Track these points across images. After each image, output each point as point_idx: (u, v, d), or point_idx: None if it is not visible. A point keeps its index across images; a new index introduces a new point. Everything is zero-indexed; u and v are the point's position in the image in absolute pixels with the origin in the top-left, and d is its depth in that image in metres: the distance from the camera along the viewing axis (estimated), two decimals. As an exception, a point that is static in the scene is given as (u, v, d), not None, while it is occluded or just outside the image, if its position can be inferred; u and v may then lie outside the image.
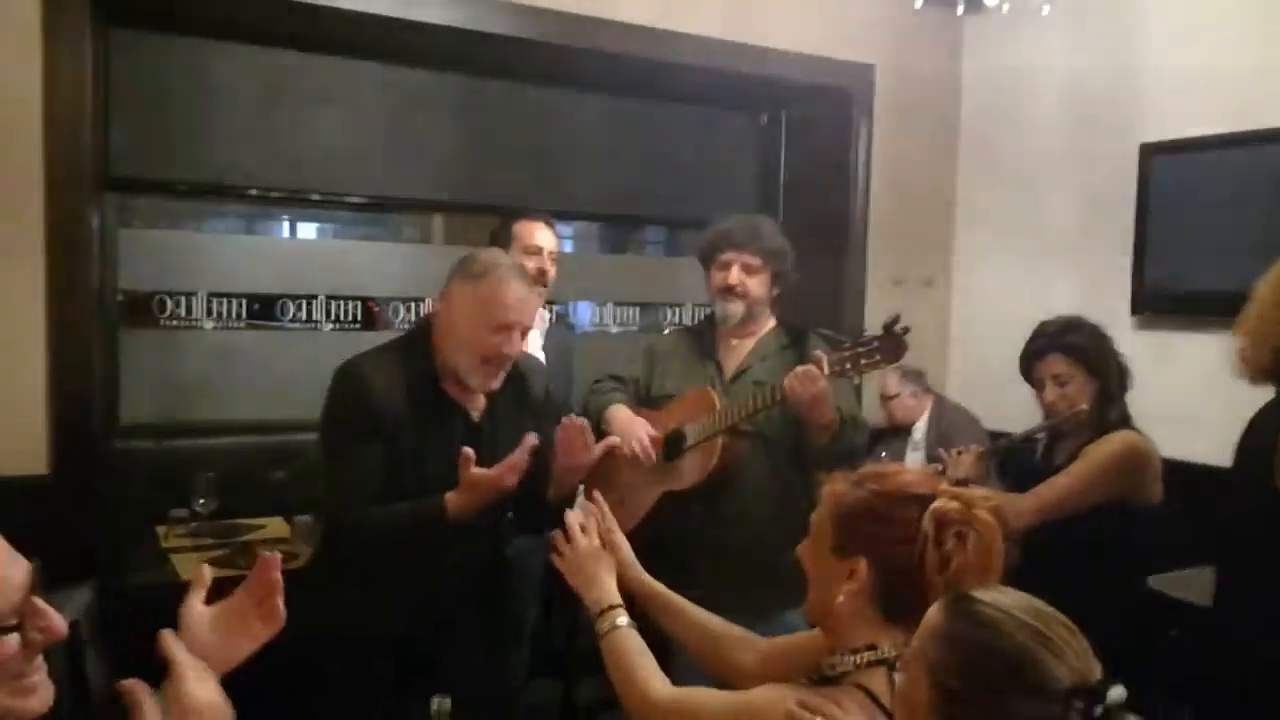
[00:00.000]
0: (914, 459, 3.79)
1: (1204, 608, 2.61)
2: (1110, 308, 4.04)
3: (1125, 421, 2.44)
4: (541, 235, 3.33)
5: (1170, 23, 3.92)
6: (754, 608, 2.24)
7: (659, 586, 1.86)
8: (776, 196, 4.75)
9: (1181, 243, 3.80)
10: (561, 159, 4.34)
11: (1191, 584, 3.06)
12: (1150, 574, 2.84)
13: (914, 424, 3.95)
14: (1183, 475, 3.79)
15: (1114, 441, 2.35)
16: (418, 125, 4.04)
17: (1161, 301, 3.90)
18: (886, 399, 4.06)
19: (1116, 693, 0.99)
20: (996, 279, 4.58)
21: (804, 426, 2.60)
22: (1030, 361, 2.54)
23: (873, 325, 2.81)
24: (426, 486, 2.19)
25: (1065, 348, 2.47)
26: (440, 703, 1.79)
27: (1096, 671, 1.03)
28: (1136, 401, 4.00)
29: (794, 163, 4.72)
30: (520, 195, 4.02)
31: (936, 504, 1.34)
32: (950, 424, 3.77)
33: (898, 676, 1.21)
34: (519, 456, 2.10)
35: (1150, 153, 3.89)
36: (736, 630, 1.80)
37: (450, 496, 2.14)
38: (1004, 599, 1.08)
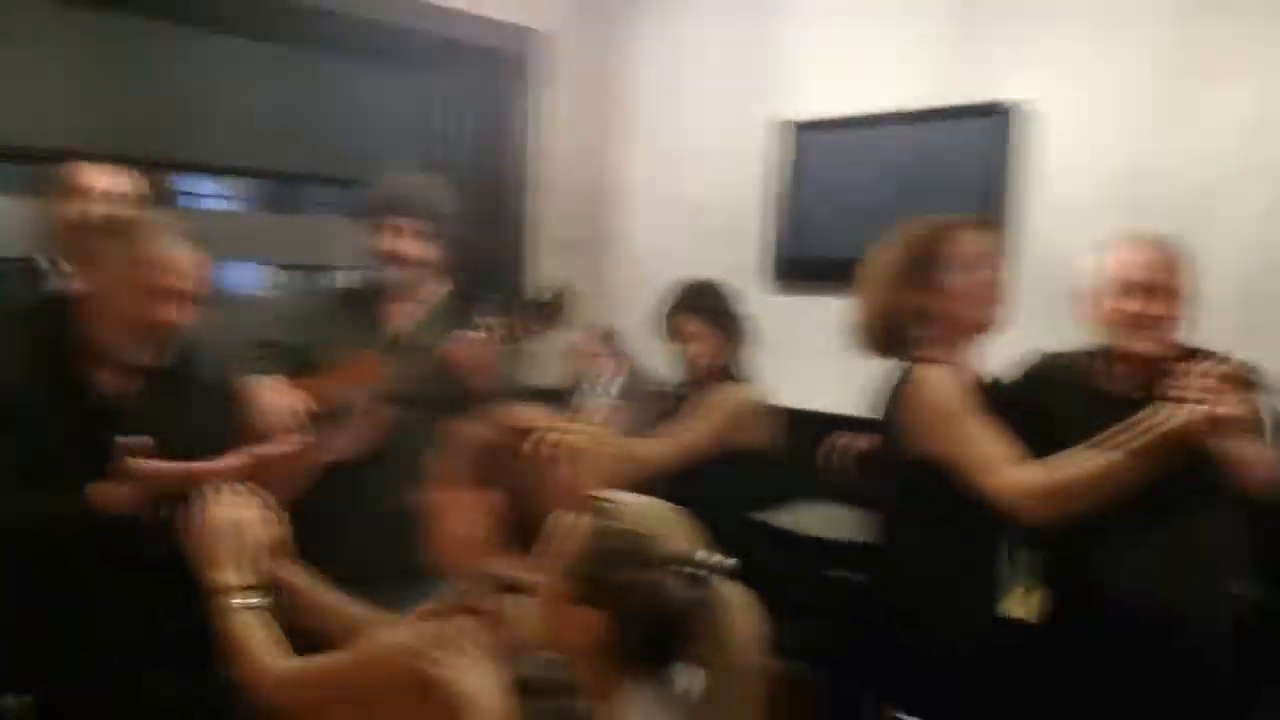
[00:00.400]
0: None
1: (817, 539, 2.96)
2: (752, 272, 4.40)
3: (746, 375, 2.71)
4: (95, 175, 2.84)
5: (809, 4, 4.27)
6: (411, 576, 2.22)
7: (303, 579, 1.79)
8: (440, 157, 4.69)
9: (812, 214, 4.16)
10: (204, 109, 4.02)
11: (799, 518, 3.45)
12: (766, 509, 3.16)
13: (603, 382, 4.09)
14: (812, 423, 4.24)
15: (736, 392, 2.61)
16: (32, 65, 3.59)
17: (796, 268, 4.26)
18: (576, 355, 4.17)
19: (721, 559, 1.22)
20: (654, 243, 4.81)
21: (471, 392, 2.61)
22: (667, 319, 2.74)
23: (538, 290, 2.87)
24: (55, 475, 1.94)
25: (700, 309, 2.69)
26: (19, 701, 1.63)
27: (704, 546, 1.25)
28: (775, 358, 4.41)
29: (458, 123, 4.68)
30: (160, 146, 3.69)
31: (547, 434, 1.50)
32: (635, 385, 3.93)
33: (540, 581, 1.31)
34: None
35: (786, 130, 4.23)
36: (378, 616, 1.78)
37: (98, 488, 1.92)
38: (626, 496, 1.31)
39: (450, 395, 2.65)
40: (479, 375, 2.53)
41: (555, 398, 4.28)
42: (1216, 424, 1.66)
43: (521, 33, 4.45)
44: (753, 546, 2.67)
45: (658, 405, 3.53)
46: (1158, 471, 1.75)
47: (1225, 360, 1.78)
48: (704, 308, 2.75)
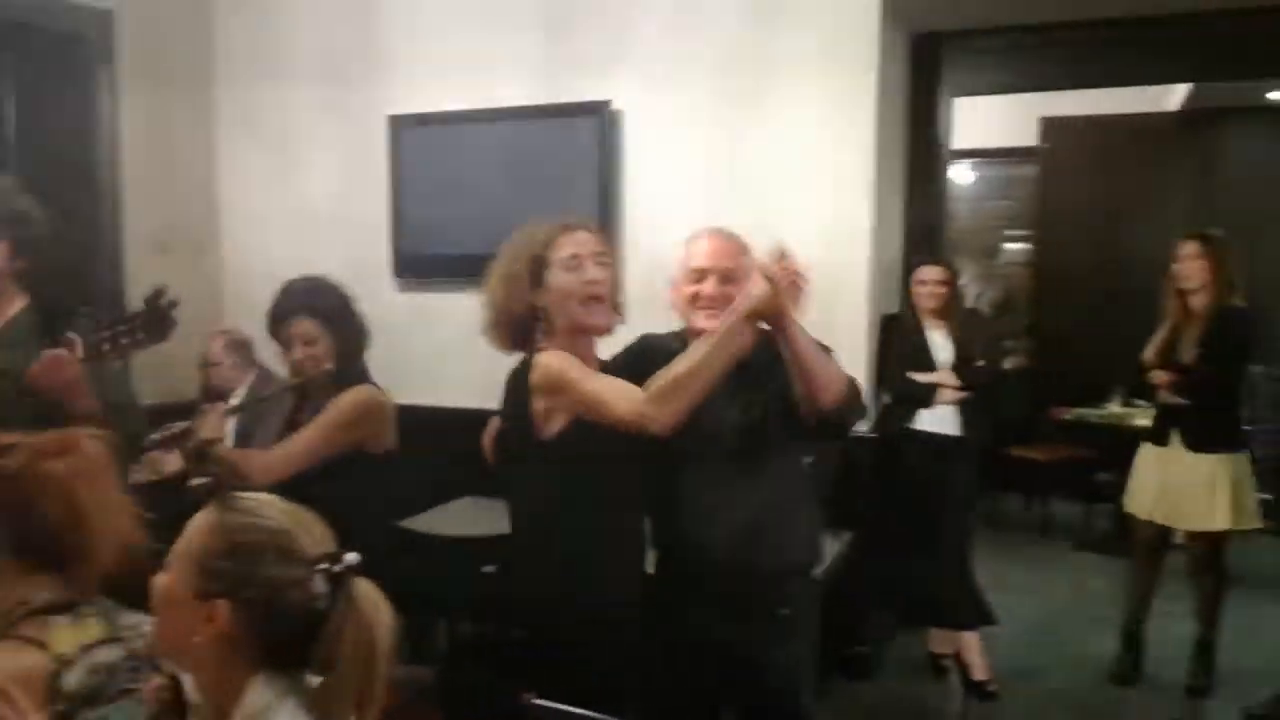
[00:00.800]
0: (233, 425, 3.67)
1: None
2: (373, 271, 4.32)
3: (363, 377, 2.61)
4: None
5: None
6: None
7: None
8: (5, 153, 4.14)
9: (430, 210, 4.16)
10: None
11: (444, 520, 3.46)
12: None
13: (232, 392, 3.82)
14: (443, 421, 4.25)
15: (351, 395, 2.51)
16: None
17: (418, 265, 4.24)
18: (206, 366, 3.87)
19: (351, 557, 1.22)
20: (267, 242, 4.57)
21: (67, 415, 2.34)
22: (277, 322, 2.58)
23: (136, 298, 2.62)
24: None
25: (311, 309, 2.55)
26: None
27: (334, 546, 1.26)
28: (401, 357, 4.36)
29: (30, 115, 4.15)
30: None
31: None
32: (265, 390, 3.70)
33: (158, 579, 1.28)
34: None
35: (396, 125, 4.19)
36: None
37: None
38: (261, 495, 1.31)
39: (40, 418, 2.37)
40: (69, 396, 2.28)
41: (181, 412, 3.96)
42: (779, 297, 1.88)
43: (93, 15, 4.02)
44: (394, 552, 2.65)
45: (282, 412, 3.38)
46: (744, 351, 1.95)
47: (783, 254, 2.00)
48: (315, 308, 2.58)
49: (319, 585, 1.19)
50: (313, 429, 2.49)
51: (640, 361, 2.22)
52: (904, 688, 3.77)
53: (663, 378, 1.96)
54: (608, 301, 2.13)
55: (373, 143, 4.27)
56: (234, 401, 3.51)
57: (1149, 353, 3.71)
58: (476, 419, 4.15)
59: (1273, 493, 3.58)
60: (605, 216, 3.85)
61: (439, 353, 4.28)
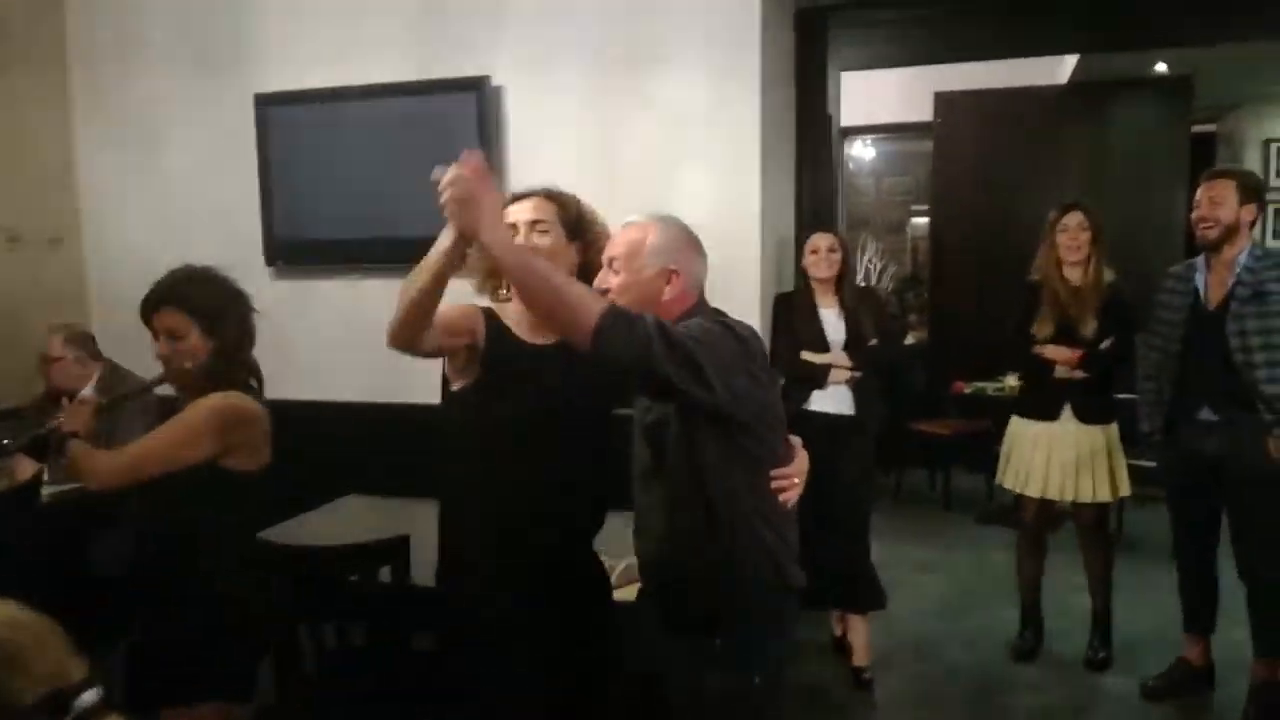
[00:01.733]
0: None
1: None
2: (246, 258, 4.08)
3: (237, 381, 2.38)
4: None
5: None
6: None
7: None
8: None
9: (303, 193, 3.95)
10: None
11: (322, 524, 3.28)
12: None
13: (79, 390, 3.55)
14: (326, 414, 4.06)
15: (210, 401, 2.29)
16: None
17: (292, 251, 4.03)
18: (48, 361, 3.61)
19: (90, 695, 0.98)
20: (131, 232, 4.30)
21: None
22: (147, 312, 2.35)
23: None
24: None
25: (180, 300, 2.33)
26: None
27: (75, 673, 1.00)
28: (277, 349, 4.14)
29: None
30: None
31: None
32: (121, 388, 3.45)
33: None
34: None
35: (263, 104, 3.96)
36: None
37: None
38: None
39: None
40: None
41: (13, 415, 3.71)
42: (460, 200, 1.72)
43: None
44: (261, 569, 2.46)
45: (143, 412, 3.16)
46: (450, 264, 1.83)
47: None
48: (184, 298, 2.35)
49: None
50: (161, 434, 2.26)
51: None
52: (810, 670, 3.71)
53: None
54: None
55: (239, 123, 4.03)
56: (86, 392, 3.27)
57: (1040, 326, 3.67)
58: (360, 412, 4.03)
59: (1155, 460, 3.59)
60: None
61: (319, 344, 4.08)
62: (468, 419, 2.12)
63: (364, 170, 3.84)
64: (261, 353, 4.24)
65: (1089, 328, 3.56)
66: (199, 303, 2.31)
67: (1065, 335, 3.61)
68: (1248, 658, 3.30)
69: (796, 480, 1.92)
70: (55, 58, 4.28)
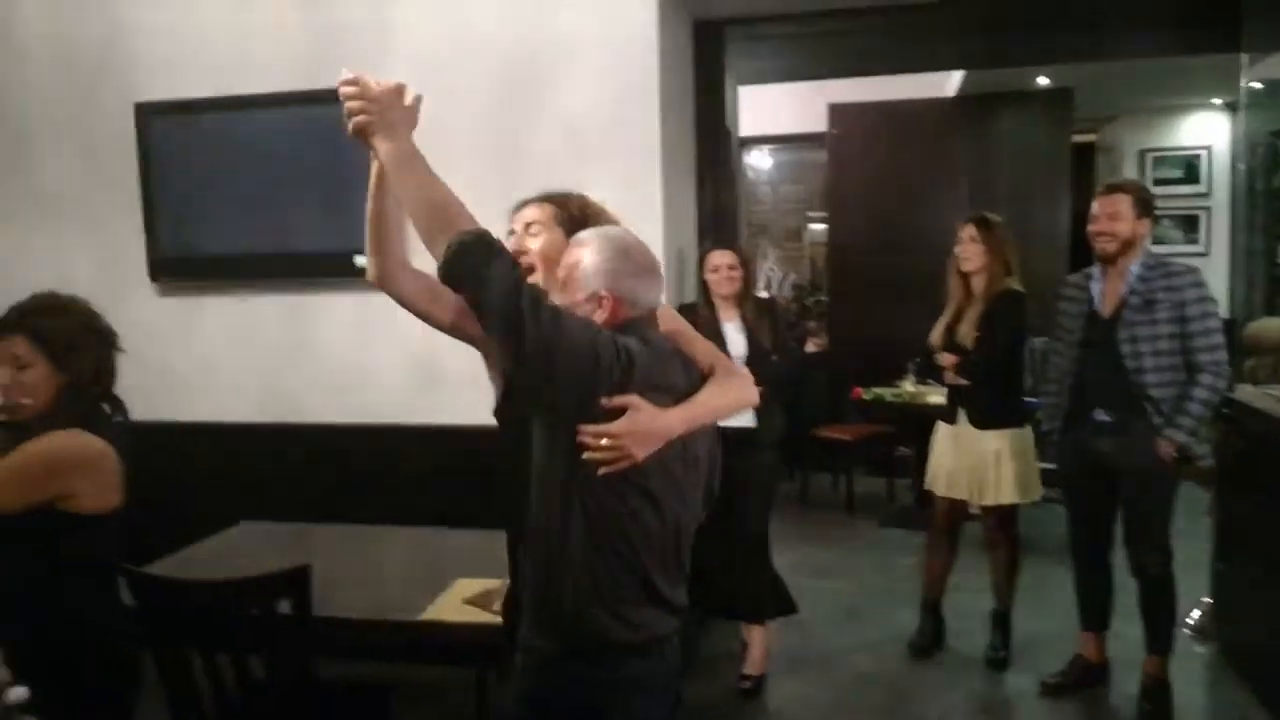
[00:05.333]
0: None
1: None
2: (128, 274, 3.91)
3: (83, 419, 2.20)
4: None
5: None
6: None
7: None
8: None
9: (188, 206, 3.80)
10: None
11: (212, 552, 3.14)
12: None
13: None
14: (216, 435, 3.91)
15: (46, 442, 2.12)
16: None
17: (178, 266, 3.87)
18: None
19: (17, 693, 1.00)
20: (8, 245, 4.06)
21: None
22: None
23: None
24: None
25: (30, 330, 2.17)
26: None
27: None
28: (164, 369, 3.98)
29: None
30: None
31: None
32: None
33: None
34: None
35: (145, 113, 3.80)
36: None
37: None
38: None
39: None
40: None
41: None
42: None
43: None
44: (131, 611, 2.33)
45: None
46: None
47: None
48: (32, 327, 2.19)
49: None
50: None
51: None
52: (721, 680, 3.71)
53: None
54: (540, 270, 1.95)
55: (118, 134, 3.85)
56: None
57: (934, 334, 3.79)
58: (251, 433, 3.89)
59: (1054, 462, 3.70)
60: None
61: (206, 363, 3.93)
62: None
63: (253, 183, 3.71)
64: (145, 372, 4.05)
65: (968, 335, 3.66)
66: (50, 335, 2.15)
67: (952, 342, 3.71)
68: (1141, 653, 3.40)
69: (604, 441, 1.63)
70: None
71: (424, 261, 1.78)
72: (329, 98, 3.52)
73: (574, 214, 2.01)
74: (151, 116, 3.78)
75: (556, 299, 1.78)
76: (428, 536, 3.25)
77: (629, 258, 1.79)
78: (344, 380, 3.83)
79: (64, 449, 2.08)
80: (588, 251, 1.79)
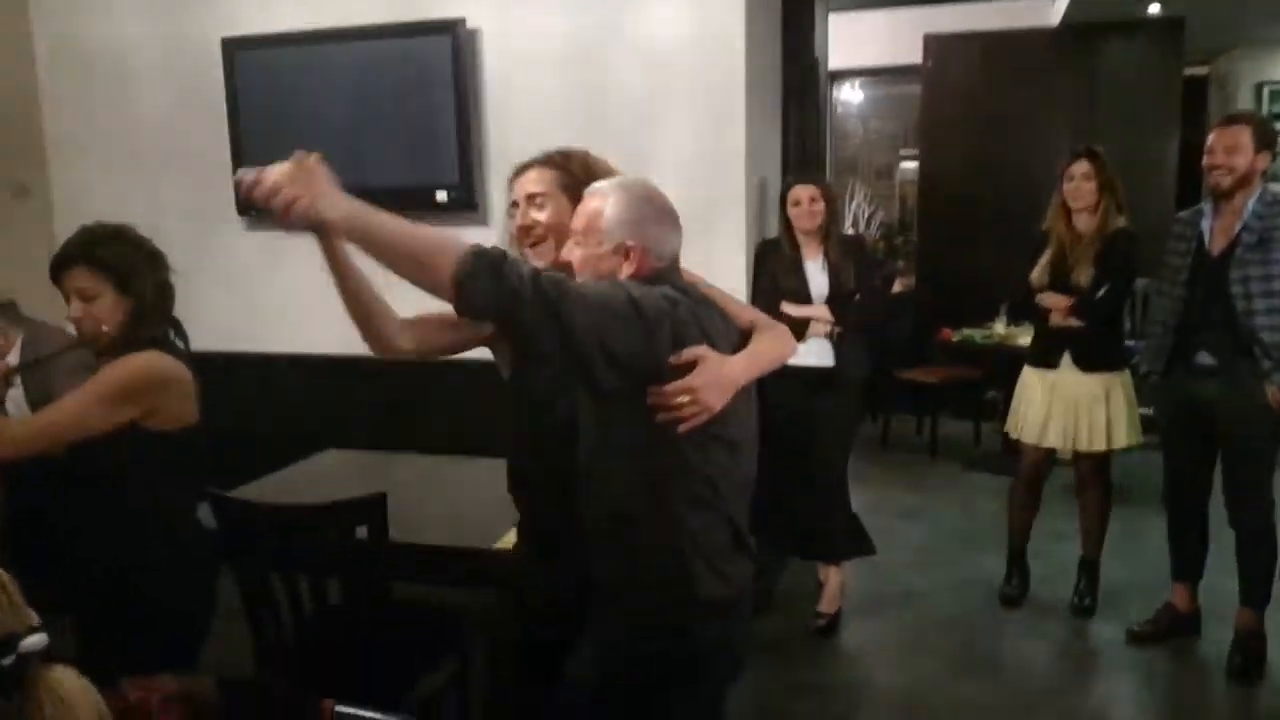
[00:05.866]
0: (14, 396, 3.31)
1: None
2: (218, 210, 3.99)
3: (157, 341, 2.28)
4: None
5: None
6: None
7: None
8: None
9: (274, 141, 3.78)
10: None
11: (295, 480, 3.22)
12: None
13: (3, 359, 3.44)
14: (304, 367, 3.99)
15: (123, 365, 2.19)
16: None
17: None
18: None
19: (34, 641, 0.96)
20: (103, 182, 4.18)
21: None
22: (57, 272, 2.26)
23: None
24: None
25: (93, 260, 2.23)
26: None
27: (28, 621, 0.98)
28: (253, 302, 4.07)
29: None
30: None
31: None
32: (48, 348, 3.35)
33: None
34: None
35: (232, 48, 3.82)
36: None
37: None
38: None
39: None
40: None
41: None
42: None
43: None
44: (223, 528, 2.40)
45: (83, 370, 3.06)
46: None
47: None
48: (94, 258, 2.25)
49: None
50: (72, 400, 2.16)
51: None
52: (798, 618, 3.69)
53: None
54: (551, 240, 1.88)
55: (206, 68, 3.90)
56: (11, 359, 3.15)
57: (1037, 273, 3.62)
58: (337, 366, 3.96)
59: (1152, 403, 3.55)
60: (464, 144, 3.59)
61: (292, 296, 4.00)
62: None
63: (337, 118, 3.73)
64: (234, 305, 4.19)
65: (1084, 275, 3.49)
66: (111, 262, 2.20)
67: (1061, 282, 3.55)
68: (1234, 605, 3.29)
69: (682, 400, 1.59)
70: (17, 3, 4.13)
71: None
72: (409, 31, 3.61)
73: (577, 175, 1.92)
74: (238, 50, 3.82)
75: (576, 254, 1.74)
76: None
77: (650, 204, 1.73)
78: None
79: (144, 369, 2.15)
80: (609, 203, 1.71)
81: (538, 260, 1.86)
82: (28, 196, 4.22)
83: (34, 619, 0.99)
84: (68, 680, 0.96)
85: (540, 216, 1.92)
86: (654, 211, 1.73)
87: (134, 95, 4.10)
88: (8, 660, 0.93)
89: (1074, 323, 3.54)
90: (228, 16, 3.89)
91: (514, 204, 1.97)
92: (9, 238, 4.11)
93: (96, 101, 4.16)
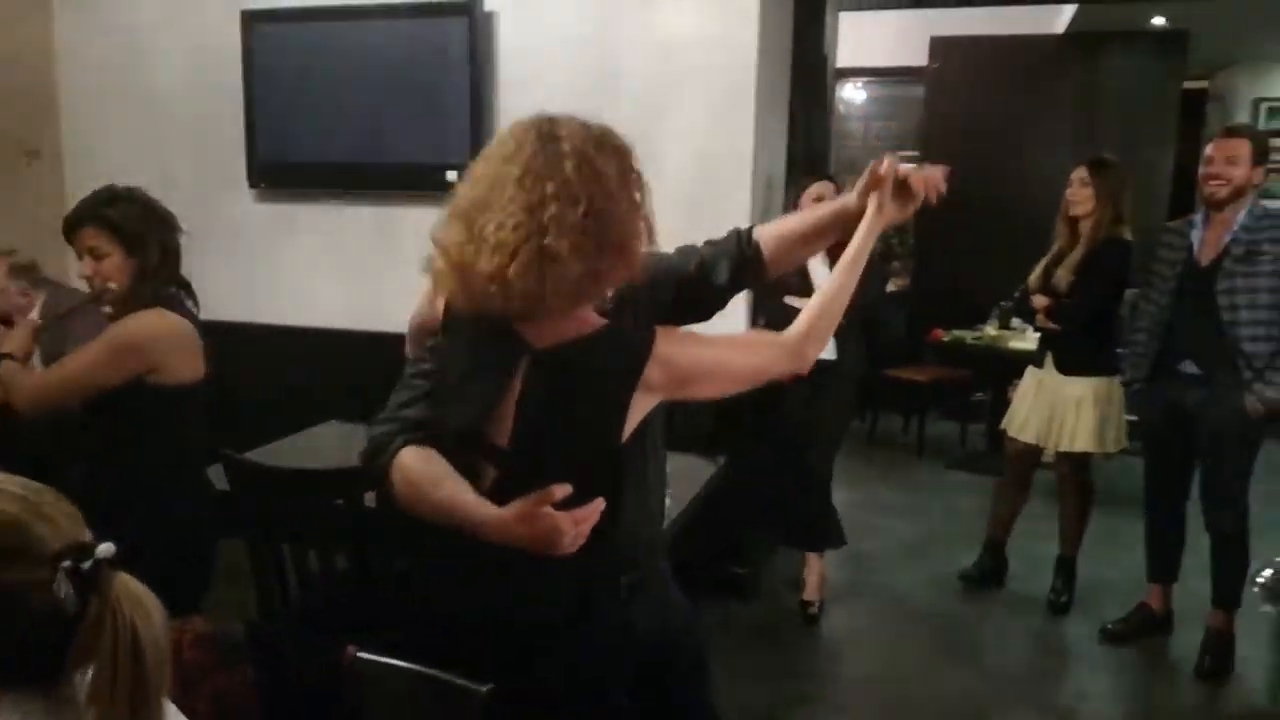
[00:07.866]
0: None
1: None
2: (229, 178, 4.04)
3: (164, 299, 2.36)
4: None
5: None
6: None
7: None
8: None
9: (288, 114, 3.88)
10: None
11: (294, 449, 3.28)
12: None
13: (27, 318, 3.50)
14: (307, 340, 4.05)
15: (129, 321, 2.28)
16: None
17: (276, 173, 3.97)
18: None
19: (104, 548, 1.03)
20: (114, 147, 4.22)
21: None
22: (70, 231, 2.34)
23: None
24: None
25: (101, 220, 2.31)
26: None
27: (86, 535, 1.05)
28: (261, 273, 4.12)
29: None
30: None
31: None
32: (67, 309, 3.42)
33: None
34: None
35: (251, 20, 3.87)
36: None
37: None
38: None
39: None
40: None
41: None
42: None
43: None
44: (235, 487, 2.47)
45: (97, 328, 3.12)
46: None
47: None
48: (104, 218, 2.28)
49: (63, 587, 1.00)
50: (81, 356, 2.26)
51: None
52: (786, 607, 3.78)
53: (802, 322, 1.69)
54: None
55: (225, 40, 3.94)
56: (32, 317, 3.22)
57: (1033, 275, 3.74)
58: (342, 339, 4.02)
59: (1135, 410, 3.65)
60: (476, 127, 3.64)
61: (301, 268, 4.06)
62: None
63: (351, 94, 3.78)
64: (242, 275, 4.24)
65: (1064, 280, 3.60)
66: (120, 223, 2.29)
67: (1047, 284, 3.66)
68: (1207, 607, 3.38)
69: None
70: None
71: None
72: (428, 11, 3.66)
73: None
74: (257, 23, 3.86)
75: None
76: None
77: None
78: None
79: (151, 326, 2.25)
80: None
81: None
82: (39, 159, 4.26)
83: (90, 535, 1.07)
84: (133, 583, 1.04)
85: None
86: None
87: (150, 62, 4.14)
88: (86, 564, 1.00)
89: (1051, 325, 3.66)
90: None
91: None
92: (24, 199, 4.16)
93: (113, 68, 4.20)
